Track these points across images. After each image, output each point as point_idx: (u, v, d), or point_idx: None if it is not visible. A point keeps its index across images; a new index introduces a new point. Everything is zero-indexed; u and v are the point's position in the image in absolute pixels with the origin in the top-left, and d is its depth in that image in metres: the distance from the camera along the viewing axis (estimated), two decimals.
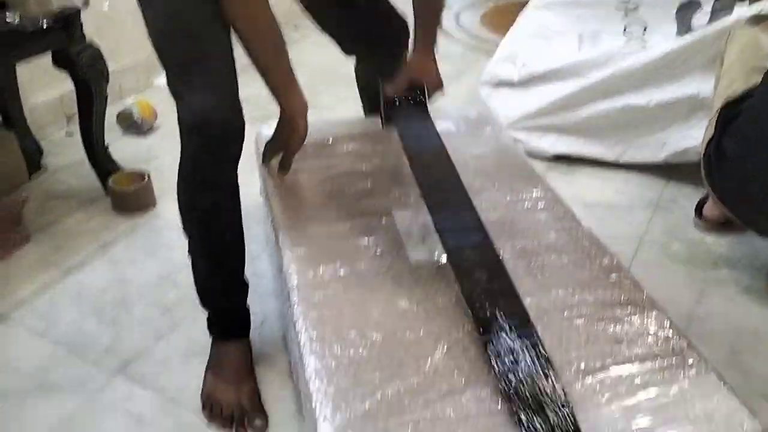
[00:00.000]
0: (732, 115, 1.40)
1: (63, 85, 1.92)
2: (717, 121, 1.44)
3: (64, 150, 2.08)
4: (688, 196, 1.82)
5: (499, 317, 0.91)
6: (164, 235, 1.69)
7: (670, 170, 1.95)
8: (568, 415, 0.79)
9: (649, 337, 0.94)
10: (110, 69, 1.77)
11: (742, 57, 1.52)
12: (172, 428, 1.17)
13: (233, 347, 1.27)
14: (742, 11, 1.70)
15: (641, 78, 1.87)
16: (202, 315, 1.40)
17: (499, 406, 0.82)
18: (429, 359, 0.89)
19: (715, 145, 1.42)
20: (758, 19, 1.61)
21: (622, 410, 0.82)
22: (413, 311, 0.97)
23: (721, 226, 1.68)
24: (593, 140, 1.97)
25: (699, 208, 1.73)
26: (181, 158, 1.18)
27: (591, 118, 1.94)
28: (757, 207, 1.38)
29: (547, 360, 0.86)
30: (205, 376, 1.26)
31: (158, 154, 2.06)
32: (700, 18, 1.97)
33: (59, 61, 1.70)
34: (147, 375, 1.28)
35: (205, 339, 1.35)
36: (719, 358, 1.33)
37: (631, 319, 0.97)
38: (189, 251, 1.23)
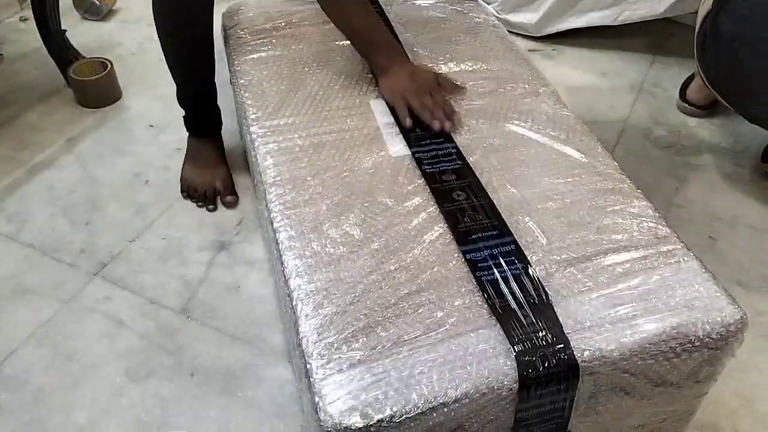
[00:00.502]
0: None
1: None
2: None
3: (21, 36, 1.95)
4: (672, 78, 1.78)
5: (476, 232, 0.90)
6: (132, 130, 1.62)
7: (656, 48, 1.89)
8: (548, 316, 0.79)
9: (632, 225, 0.92)
10: None
11: None
12: (152, 329, 1.17)
13: (206, 141, 1.45)
14: None
15: None
16: (177, 214, 1.39)
17: (480, 300, 0.81)
18: (410, 254, 0.87)
19: (710, 22, 1.35)
20: None
21: (603, 299, 0.82)
22: (393, 208, 0.94)
23: (705, 108, 1.65)
24: (584, 7, 1.87)
25: (683, 91, 1.69)
26: None
27: None
28: (748, 91, 1.35)
29: (526, 262, 0.85)
30: (183, 167, 1.45)
31: (121, 40, 1.94)
32: None
33: None
34: (124, 276, 1.26)
35: (180, 238, 1.34)
36: (697, 244, 1.34)
37: (614, 208, 0.95)
38: (165, 60, 1.34)
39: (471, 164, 1.00)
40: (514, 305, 0.80)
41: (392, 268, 0.85)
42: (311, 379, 0.74)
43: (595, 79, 1.81)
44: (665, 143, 1.60)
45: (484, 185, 0.97)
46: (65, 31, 1.74)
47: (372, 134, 1.06)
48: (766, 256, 1.32)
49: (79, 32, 1.94)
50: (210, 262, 1.29)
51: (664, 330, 0.79)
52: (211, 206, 1.40)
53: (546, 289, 0.82)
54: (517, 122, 1.10)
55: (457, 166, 1.00)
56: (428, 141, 1.04)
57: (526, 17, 1.92)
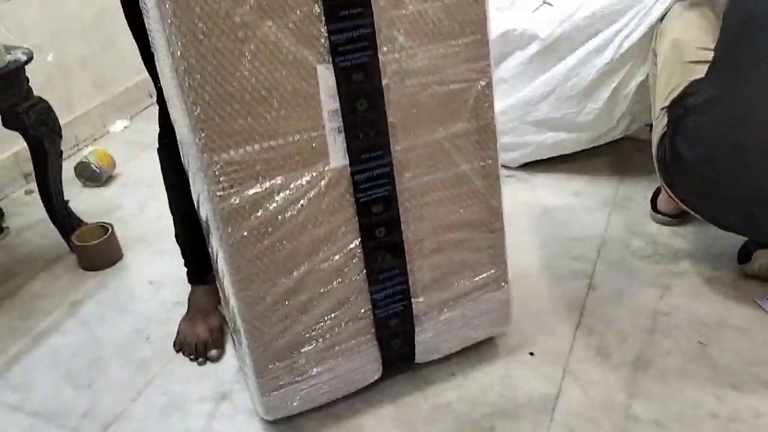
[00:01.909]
0: (679, 115, 1.42)
1: (17, 142, 1.91)
2: (667, 120, 1.47)
3: (25, 209, 2.06)
4: (642, 192, 1.87)
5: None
6: (134, 288, 1.69)
7: (623, 166, 1.99)
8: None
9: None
10: (64, 120, 1.76)
11: (676, 52, 1.56)
12: None
13: (198, 290, 1.51)
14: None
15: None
16: (178, 367, 1.42)
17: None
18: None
19: (669, 146, 1.44)
20: (688, 8, 1.64)
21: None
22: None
23: (677, 217, 1.72)
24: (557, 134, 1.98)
25: (654, 202, 1.77)
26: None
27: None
28: (718, 204, 1.41)
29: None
30: (180, 320, 1.51)
31: (121, 204, 2.05)
32: None
33: (8, 121, 1.67)
34: None
35: (181, 392, 1.36)
36: (687, 351, 1.37)
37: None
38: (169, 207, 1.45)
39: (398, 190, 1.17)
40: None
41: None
42: None
43: (569, 198, 1.90)
44: (644, 253, 1.66)
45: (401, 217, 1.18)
46: (68, 201, 1.85)
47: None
48: (756, 357, 1.34)
49: (82, 199, 2.06)
50: (211, 414, 1.31)
51: None
52: (200, 360, 1.43)
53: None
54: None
55: (387, 193, 1.15)
56: (368, 155, 1.12)
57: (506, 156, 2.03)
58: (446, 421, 1.25)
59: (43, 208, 1.83)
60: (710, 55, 1.42)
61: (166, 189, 1.43)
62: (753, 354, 1.35)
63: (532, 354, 1.39)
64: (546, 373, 1.34)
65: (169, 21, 0.93)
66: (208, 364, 1.43)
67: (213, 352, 1.44)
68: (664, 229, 1.73)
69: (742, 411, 1.23)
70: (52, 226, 1.85)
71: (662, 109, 1.51)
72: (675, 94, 1.48)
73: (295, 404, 1.23)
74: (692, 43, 1.53)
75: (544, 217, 1.83)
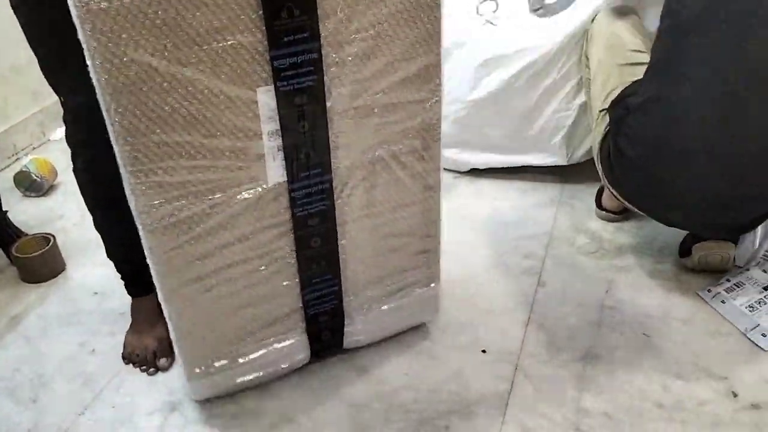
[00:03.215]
0: (620, 115, 1.46)
1: None
2: (609, 120, 1.51)
3: None
4: (586, 189, 1.90)
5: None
6: (77, 300, 1.64)
7: (566, 169, 2.02)
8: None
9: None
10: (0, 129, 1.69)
11: (609, 54, 1.60)
12: None
13: (141, 302, 1.47)
14: (597, 3, 1.76)
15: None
16: (125, 380, 1.39)
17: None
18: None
19: (612, 146, 1.48)
20: (615, 13, 1.69)
21: None
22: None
23: (621, 213, 1.77)
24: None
25: (598, 199, 1.82)
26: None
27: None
28: (661, 201, 1.46)
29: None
30: (126, 332, 1.49)
31: (62, 213, 1.99)
32: None
33: None
34: None
35: (129, 404, 1.33)
36: (632, 342, 1.41)
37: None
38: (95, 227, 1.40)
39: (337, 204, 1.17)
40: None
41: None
42: None
43: (516, 197, 1.93)
44: (590, 249, 1.69)
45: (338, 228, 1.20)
46: (6, 211, 1.79)
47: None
48: (698, 347, 1.39)
49: (21, 210, 1.99)
50: (161, 427, 1.28)
51: None
52: (151, 370, 1.41)
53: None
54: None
55: (324, 207, 1.16)
56: (307, 173, 1.12)
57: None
58: (401, 421, 1.26)
59: None
60: (644, 57, 1.46)
61: (90, 210, 1.37)
62: (696, 344, 1.39)
63: (484, 351, 1.41)
64: (498, 371, 1.36)
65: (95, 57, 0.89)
66: (158, 375, 1.40)
67: (162, 361, 1.41)
68: (609, 226, 1.77)
69: (686, 400, 1.27)
70: None
71: (601, 111, 1.55)
72: (614, 96, 1.52)
73: (223, 387, 1.30)
74: (625, 46, 1.58)
75: (492, 217, 1.86)
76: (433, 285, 1.39)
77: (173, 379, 1.38)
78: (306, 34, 0.99)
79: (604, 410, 1.26)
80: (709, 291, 1.51)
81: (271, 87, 1.01)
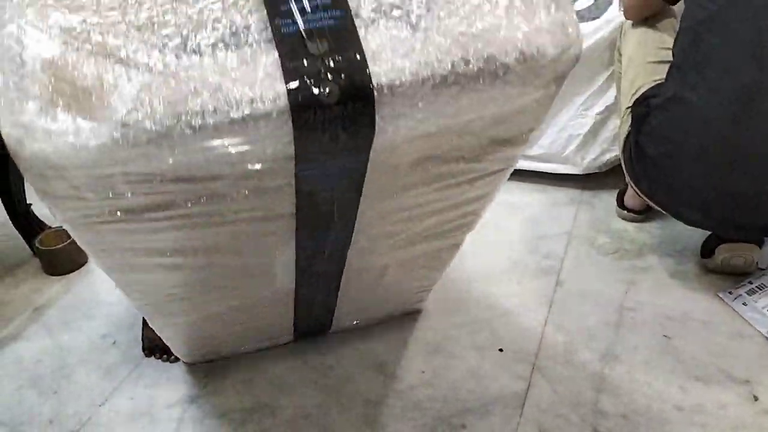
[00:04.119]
0: (642, 114, 1.45)
1: None
2: (631, 119, 1.50)
3: None
4: (607, 189, 1.89)
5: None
6: (99, 292, 1.66)
7: None
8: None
9: None
10: None
11: (640, 52, 1.59)
12: None
13: None
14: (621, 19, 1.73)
15: None
16: (145, 372, 1.41)
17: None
18: None
19: (633, 144, 1.47)
20: None
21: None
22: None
23: (643, 213, 1.75)
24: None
25: (620, 198, 1.80)
26: None
27: None
28: (682, 199, 1.44)
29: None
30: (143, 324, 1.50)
31: None
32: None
33: None
34: None
35: (149, 396, 1.35)
36: (652, 344, 1.39)
37: None
38: None
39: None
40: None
41: None
42: None
43: (536, 196, 1.92)
44: (610, 249, 1.68)
45: None
46: (30, 204, 1.82)
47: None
48: (719, 349, 1.37)
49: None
50: (180, 419, 1.29)
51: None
52: (173, 357, 1.42)
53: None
54: None
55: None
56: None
57: None
58: (417, 419, 1.26)
59: (5, 212, 1.79)
60: (671, 55, 1.45)
61: None
62: (716, 346, 1.38)
63: (501, 350, 1.40)
64: (515, 370, 1.35)
65: None
66: (176, 368, 1.41)
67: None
68: (630, 226, 1.76)
69: (706, 403, 1.26)
70: (14, 230, 1.81)
71: (627, 108, 1.54)
72: (638, 95, 1.51)
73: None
74: (654, 43, 1.57)
75: (511, 215, 1.85)
76: (424, 299, 1.47)
77: (193, 372, 1.40)
78: None
79: (622, 412, 1.25)
80: (730, 293, 1.49)
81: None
